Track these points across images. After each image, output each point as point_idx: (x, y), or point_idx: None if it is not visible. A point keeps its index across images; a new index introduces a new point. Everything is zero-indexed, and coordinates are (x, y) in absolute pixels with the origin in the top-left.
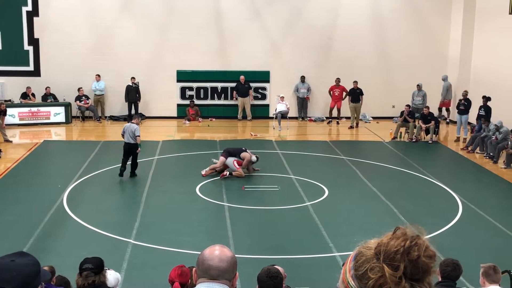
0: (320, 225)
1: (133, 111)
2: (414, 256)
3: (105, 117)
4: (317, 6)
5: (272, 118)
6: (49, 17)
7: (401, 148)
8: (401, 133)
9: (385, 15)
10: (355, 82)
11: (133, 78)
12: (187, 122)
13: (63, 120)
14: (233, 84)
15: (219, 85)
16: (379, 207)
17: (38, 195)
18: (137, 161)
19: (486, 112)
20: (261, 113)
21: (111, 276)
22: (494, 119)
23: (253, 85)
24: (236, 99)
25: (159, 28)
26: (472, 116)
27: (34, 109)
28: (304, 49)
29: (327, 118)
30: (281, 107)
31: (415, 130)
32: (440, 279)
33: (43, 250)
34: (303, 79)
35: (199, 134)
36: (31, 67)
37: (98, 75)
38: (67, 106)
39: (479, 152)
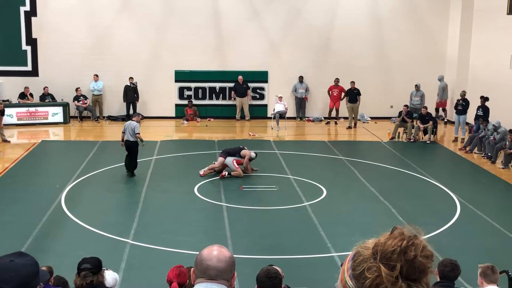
0: (318, 225)
1: (131, 112)
2: (410, 256)
3: (103, 117)
4: (316, 6)
5: (270, 118)
6: (47, 17)
7: (399, 148)
8: (399, 133)
9: (383, 15)
10: (352, 82)
11: (131, 78)
12: (185, 122)
13: (61, 120)
14: (231, 84)
15: (217, 85)
16: (377, 207)
17: (36, 195)
18: (137, 161)
19: (484, 112)
20: (259, 113)
21: (109, 276)
22: (492, 119)
23: (251, 85)
24: (234, 99)
25: (157, 28)
26: (470, 116)
27: (32, 109)
28: (303, 49)
29: (325, 118)
30: (279, 107)
31: (413, 130)
32: (438, 279)
33: (41, 250)
34: (301, 79)
35: (197, 134)
36: (29, 67)
37: (96, 75)
38: (65, 106)
39: (477, 152)
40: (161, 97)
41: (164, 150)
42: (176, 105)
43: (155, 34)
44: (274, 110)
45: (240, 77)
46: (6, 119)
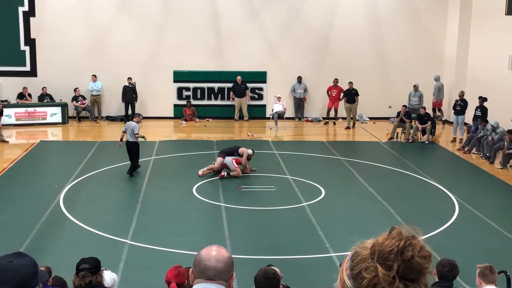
0: (316, 225)
1: (129, 112)
2: (408, 256)
3: (102, 117)
4: (314, 6)
5: (268, 118)
6: (46, 17)
7: (398, 149)
8: (397, 133)
9: (382, 15)
10: (350, 83)
11: (129, 78)
12: (184, 122)
13: (60, 120)
14: (230, 85)
15: (216, 85)
16: (375, 207)
17: (34, 196)
18: (138, 162)
19: (482, 112)
20: (257, 113)
21: (108, 276)
22: (491, 119)
23: (250, 85)
24: (233, 99)
25: (156, 28)
26: (469, 116)
27: (30, 109)
28: (301, 50)
29: (324, 118)
30: (277, 108)
31: (411, 131)
32: (437, 280)
33: (39, 251)
34: (299, 79)
35: (196, 134)
36: (27, 68)
37: (95, 76)
38: (64, 106)
39: (475, 152)
40: (159, 97)
41: (162, 150)
42: (175, 105)
43: (153, 34)
44: (272, 111)
45: (238, 78)
46: (4, 119)
